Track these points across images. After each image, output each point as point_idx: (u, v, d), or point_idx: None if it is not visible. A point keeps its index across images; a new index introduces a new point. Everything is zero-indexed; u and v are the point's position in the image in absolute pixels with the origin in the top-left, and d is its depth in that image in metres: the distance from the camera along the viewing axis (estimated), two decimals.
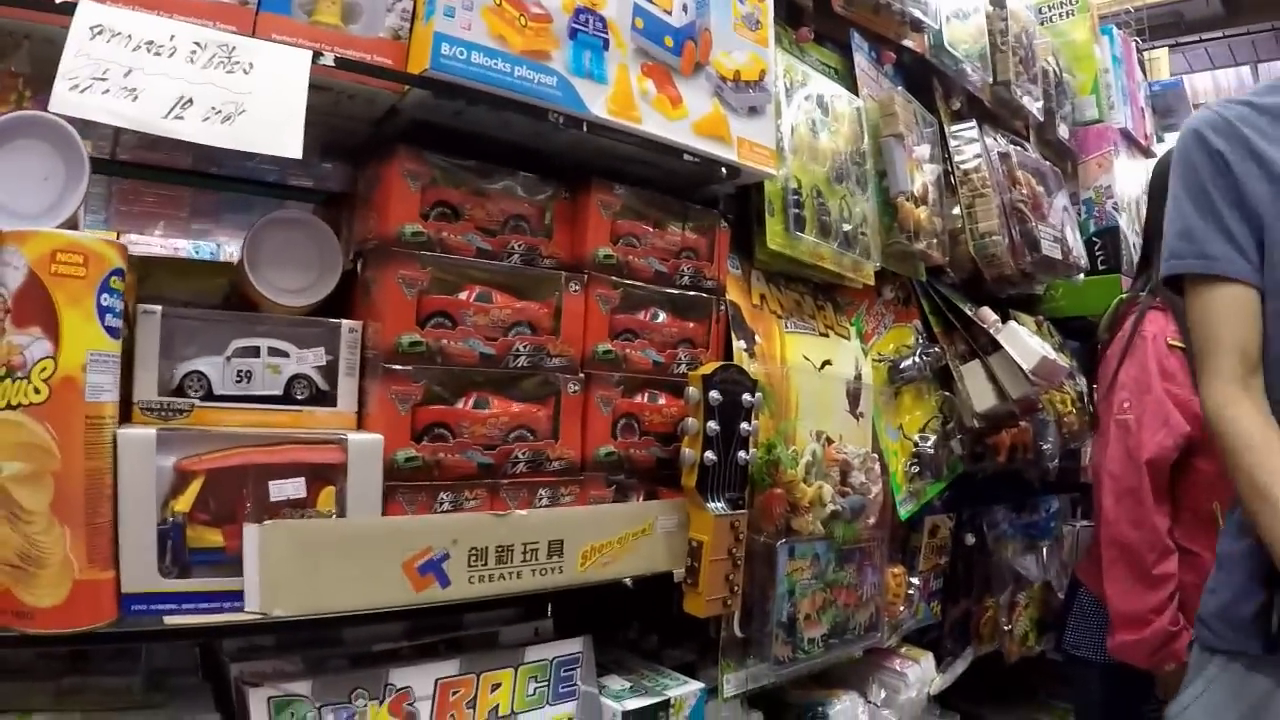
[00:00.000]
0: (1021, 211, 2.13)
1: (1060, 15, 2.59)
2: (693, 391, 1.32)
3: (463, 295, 1.18)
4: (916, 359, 1.84)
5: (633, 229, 1.35)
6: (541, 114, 1.21)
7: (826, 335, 1.68)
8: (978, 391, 1.97)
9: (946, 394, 1.96)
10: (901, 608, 1.89)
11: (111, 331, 0.95)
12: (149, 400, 1.06)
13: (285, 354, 1.17)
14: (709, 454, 1.33)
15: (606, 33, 1.28)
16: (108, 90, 0.95)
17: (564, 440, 1.25)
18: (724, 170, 1.42)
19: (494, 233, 1.23)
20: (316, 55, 1.09)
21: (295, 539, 1.02)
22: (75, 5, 0.96)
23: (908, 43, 2.01)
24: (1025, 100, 2.31)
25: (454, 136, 1.24)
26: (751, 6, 1.50)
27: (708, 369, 1.33)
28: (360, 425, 1.17)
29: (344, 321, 1.18)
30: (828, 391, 1.65)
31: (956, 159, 2.05)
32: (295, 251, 1.23)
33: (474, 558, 1.14)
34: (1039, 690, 2.60)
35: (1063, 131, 2.48)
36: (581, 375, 1.27)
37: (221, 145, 1.01)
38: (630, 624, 1.59)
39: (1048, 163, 2.34)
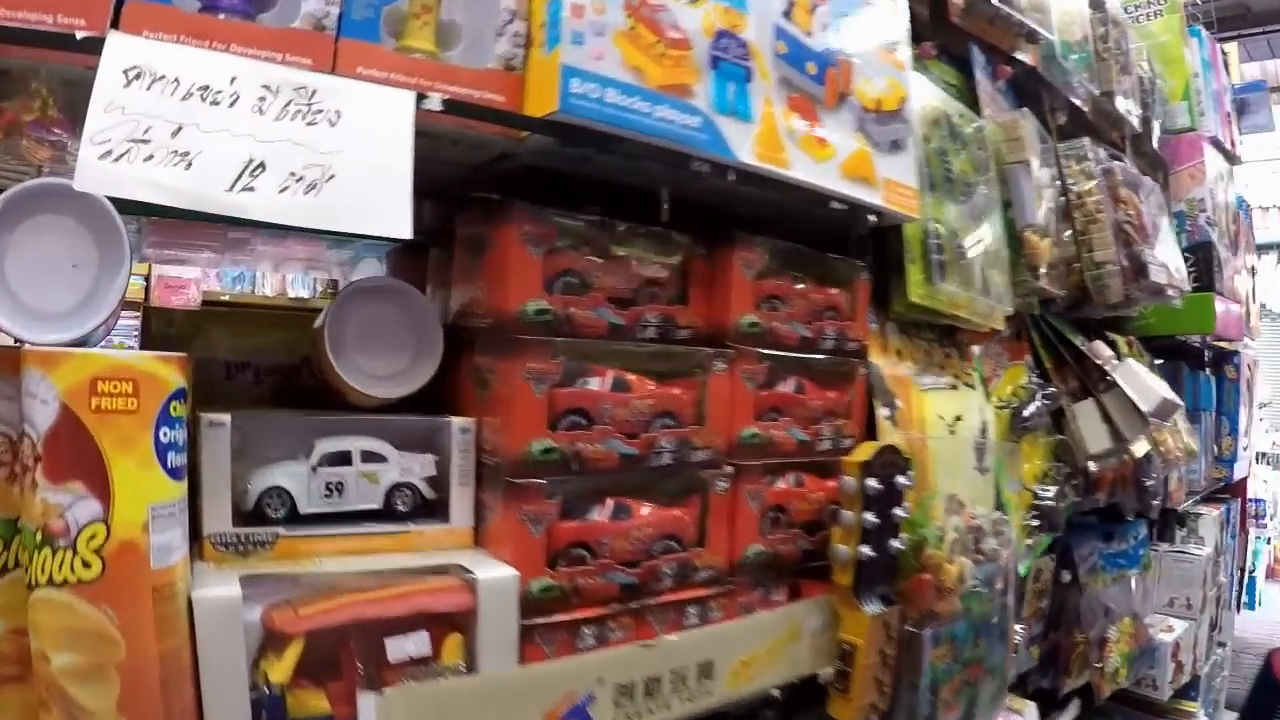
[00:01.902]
0: (1128, 234, 1.85)
1: (1147, 15, 2.28)
2: (849, 481, 1.06)
3: (595, 384, 0.92)
4: (1038, 403, 1.57)
5: (776, 289, 1.08)
6: (683, 161, 0.93)
7: (955, 387, 1.42)
8: (1091, 433, 1.71)
9: (1060, 437, 1.69)
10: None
11: (175, 473, 0.69)
12: (223, 533, 0.80)
13: (383, 458, 0.91)
14: (865, 549, 1.07)
15: (749, 60, 1.00)
16: (151, 156, 0.68)
17: (711, 545, 0.99)
18: (871, 218, 1.15)
19: (626, 303, 0.96)
20: (420, 98, 0.82)
21: (421, 707, 0.77)
22: (102, 41, 0.68)
23: (1020, 55, 1.71)
24: (1125, 110, 2.01)
25: (561, 181, 0.97)
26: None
27: (864, 453, 1.07)
28: (479, 543, 0.91)
29: (454, 420, 0.91)
30: (958, 451, 1.38)
31: (1068, 181, 1.76)
32: (386, 329, 0.96)
33: (621, 696, 0.89)
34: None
35: (1156, 142, 2.18)
36: (729, 468, 1.01)
37: (308, 224, 0.74)
38: None
39: (1147, 177, 2.05)
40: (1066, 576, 1.92)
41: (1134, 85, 2.08)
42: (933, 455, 1.30)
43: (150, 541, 0.67)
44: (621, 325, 0.95)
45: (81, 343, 0.75)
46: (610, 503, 0.92)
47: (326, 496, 0.89)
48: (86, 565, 0.63)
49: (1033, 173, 1.57)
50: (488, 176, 0.98)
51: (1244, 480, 2.91)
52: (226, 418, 0.82)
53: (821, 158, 1.07)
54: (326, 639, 0.78)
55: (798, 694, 1.13)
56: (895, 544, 1.11)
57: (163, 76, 0.70)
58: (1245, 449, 2.79)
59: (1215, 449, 2.40)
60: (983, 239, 1.42)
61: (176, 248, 1.71)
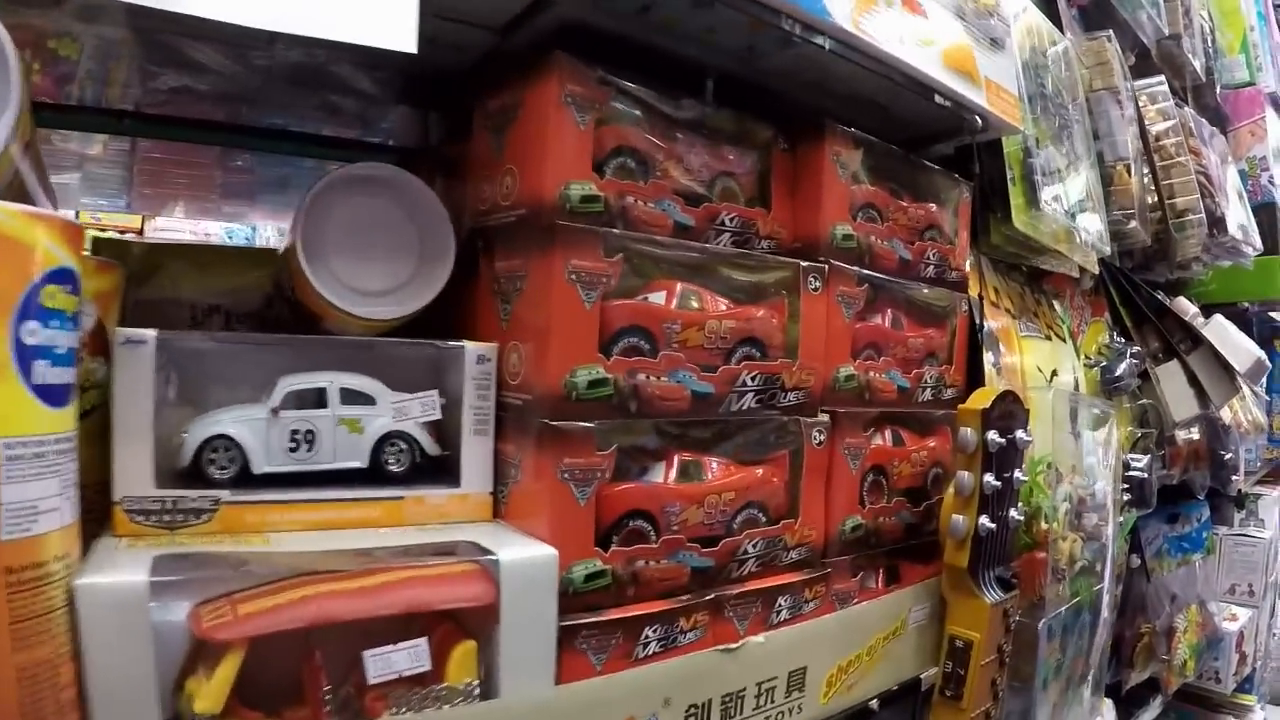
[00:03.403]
0: (1204, 185, 1.57)
1: None
2: (968, 434, 0.78)
3: (660, 299, 0.64)
4: (1128, 362, 1.29)
5: (873, 198, 0.80)
6: (772, 16, 0.65)
7: (1049, 338, 1.14)
8: (1176, 397, 1.43)
9: (1144, 401, 1.41)
10: None
11: (49, 395, 0.41)
12: (141, 497, 0.53)
13: (370, 399, 0.63)
14: (984, 520, 0.79)
15: None
16: None
17: (805, 516, 0.70)
18: (978, 121, 0.87)
19: (697, 199, 0.68)
20: None
21: None
22: None
23: None
24: (1190, 55, 1.74)
25: (606, 56, 0.69)
26: None
27: (982, 399, 0.79)
28: (500, 514, 0.63)
29: (468, 346, 0.64)
30: (1055, 410, 1.10)
31: (1146, 122, 1.48)
32: (379, 231, 0.68)
33: (692, 718, 0.61)
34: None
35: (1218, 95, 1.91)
36: (825, 416, 0.73)
37: (296, 29, 0.47)
38: None
39: (1215, 129, 1.77)
40: (1135, 561, 1.64)
41: (1197, 33, 1.81)
42: (1033, 413, 1.02)
43: (1, 496, 0.39)
44: (691, 226, 0.67)
45: None
46: (678, 458, 0.64)
47: (292, 450, 0.62)
48: None
49: (1121, 101, 1.29)
50: (521, 51, 0.70)
51: None
52: (150, 334, 0.54)
53: (924, 41, 0.80)
54: (279, 649, 0.50)
55: (891, 701, 0.85)
56: (1015, 515, 0.83)
57: None
58: None
59: (1270, 427, 2.12)
60: (1076, 166, 1.14)
61: (167, 200, 1.43)
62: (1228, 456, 1.61)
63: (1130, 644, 1.72)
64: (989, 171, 0.99)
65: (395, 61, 0.76)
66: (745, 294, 0.70)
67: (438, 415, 0.64)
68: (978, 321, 0.92)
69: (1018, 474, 0.82)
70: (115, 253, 0.83)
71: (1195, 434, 1.58)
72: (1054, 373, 1.10)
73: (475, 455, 0.64)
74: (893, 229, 0.80)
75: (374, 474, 0.64)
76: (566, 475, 0.57)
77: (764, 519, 0.67)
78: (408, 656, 0.51)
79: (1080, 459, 1.11)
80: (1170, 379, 1.43)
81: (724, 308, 0.67)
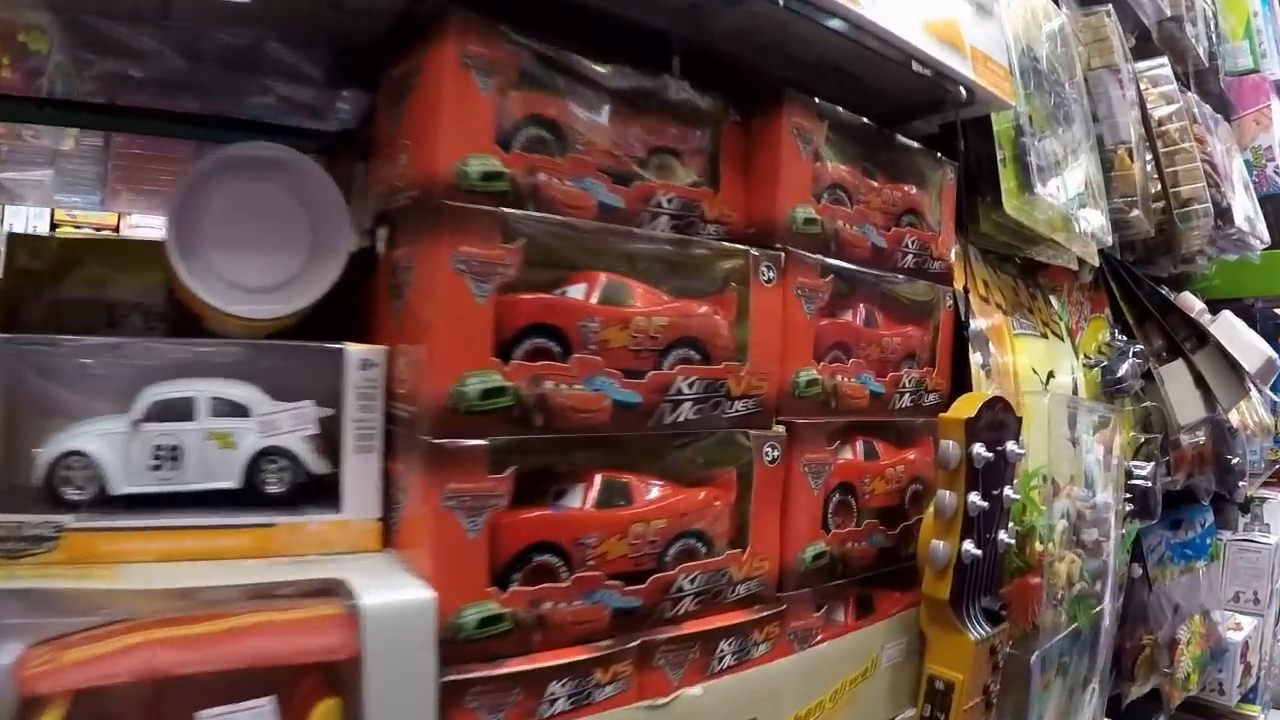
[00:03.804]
0: (1209, 174, 1.45)
1: None
2: (950, 448, 0.66)
3: (578, 292, 0.53)
4: (1131, 362, 1.17)
5: (841, 178, 0.69)
6: None
7: (1045, 336, 1.02)
8: (1181, 399, 1.31)
9: (1147, 404, 1.29)
10: None
11: None
12: None
13: (243, 410, 0.53)
14: (969, 545, 0.68)
15: None
16: None
17: (756, 546, 0.59)
18: (963, 93, 0.76)
19: (628, 178, 0.57)
20: None
21: None
22: None
23: None
24: (1193, 38, 1.61)
25: (533, 12, 0.58)
26: None
27: (967, 407, 0.67)
28: (392, 544, 0.53)
29: (349, 349, 0.53)
30: (1051, 416, 0.99)
31: (1147, 105, 1.36)
32: (265, 220, 0.58)
33: None
34: None
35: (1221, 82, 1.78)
36: (780, 429, 0.61)
37: None
38: None
39: (1220, 116, 1.65)
40: (1137, 570, 1.52)
41: (1200, 16, 1.69)
42: (1028, 419, 0.91)
43: None
44: (620, 208, 0.56)
45: None
46: (599, 480, 0.53)
47: (154, 468, 0.52)
48: None
49: (1122, 81, 1.18)
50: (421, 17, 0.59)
51: None
52: None
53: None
54: (110, 705, 0.40)
55: None
56: (1005, 538, 0.72)
57: None
58: None
59: (1276, 428, 2.00)
60: (1075, 151, 1.03)
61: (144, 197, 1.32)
62: (1234, 461, 1.49)
63: (1131, 656, 1.60)
64: (976, 152, 0.88)
65: (320, 38, 0.66)
66: (687, 288, 0.59)
67: (313, 429, 0.53)
68: (964, 318, 0.81)
69: (1008, 491, 0.71)
70: (30, 250, 0.74)
71: (1200, 437, 1.46)
72: (1050, 374, 0.99)
73: (359, 476, 0.53)
74: (864, 213, 0.69)
75: (251, 495, 0.54)
76: (452, 503, 0.46)
77: (704, 550, 0.56)
78: (250, 719, 0.40)
79: (1079, 468, 1.00)
80: (1175, 380, 1.31)
81: (663, 302, 0.56)
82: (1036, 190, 0.86)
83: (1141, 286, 1.34)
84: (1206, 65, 1.70)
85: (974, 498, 0.67)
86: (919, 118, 0.81)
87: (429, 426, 0.47)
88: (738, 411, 0.58)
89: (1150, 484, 1.18)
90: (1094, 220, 1.03)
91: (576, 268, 0.54)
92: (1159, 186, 1.34)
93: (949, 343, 0.79)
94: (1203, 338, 1.32)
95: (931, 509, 0.67)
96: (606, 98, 0.57)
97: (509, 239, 0.48)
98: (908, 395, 0.73)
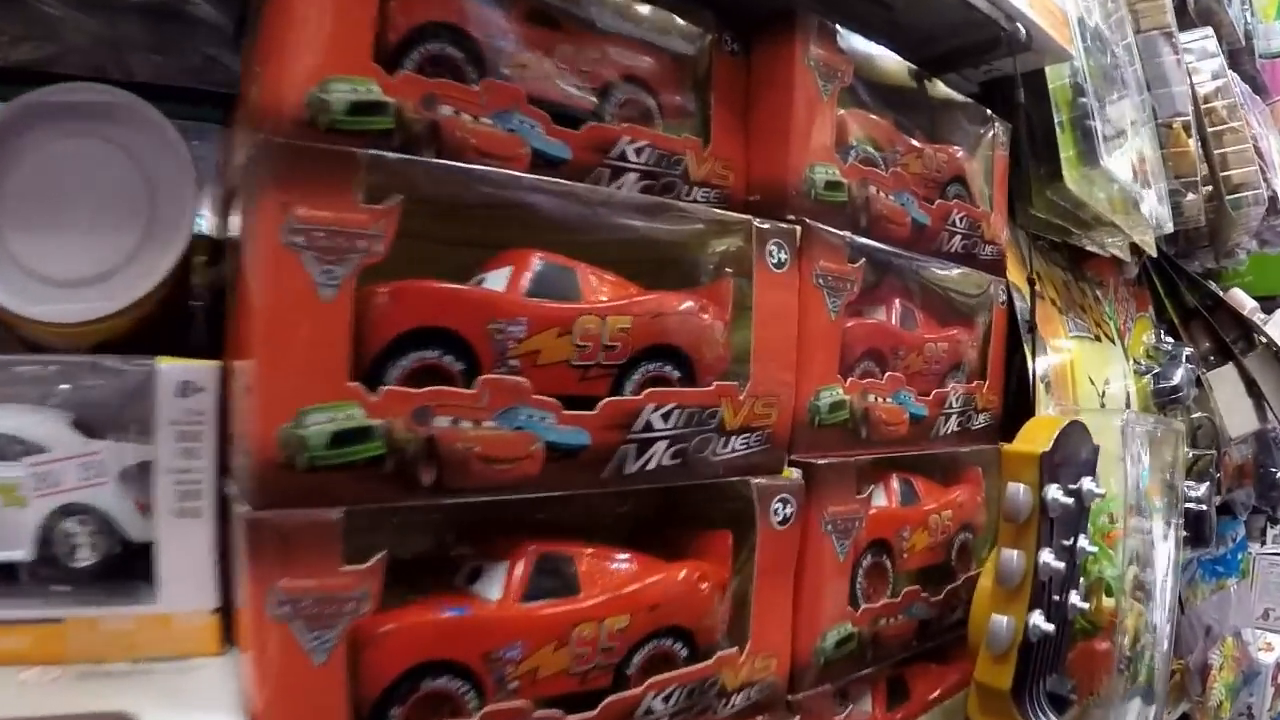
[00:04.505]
0: (1256, 158, 1.26)
1: None
2: (1019, 494, 0.47)
3: (500, 279, 0.35)
4: (1185, 369, 0.99)
5: (874, 128, 0.50)
6: None
7: (1098, 339, 0.84)
8: (1231, 408, 1.12)
9: (1199, 415, 1.11)
10: None
11: None
12: None
13: (38, 449, 0.34)
14: (1037, 619, 0.49)
15: None
16: None
17: (759, 639, 0.41)
18: (1022, 33, 0.57)
19: (577, 118, 0.39)
20: None
21: None
22: None
23: None
24: (1232, 14, 1.42)
25: None
26: None
27: (1039, 437, 0.49)
28: (235, 639, 0.34)
29: (161, 365, 0.34)
30: (1106, 433, 0.80)
31: (1193, 80, 1.17)
32: (88, 190, 0.40)
33: None
34: None
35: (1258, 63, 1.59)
36: (796, 473, 0.43)
37: None
38: None
39: (1259, 99, 1.46)
40: (1182, 576, 1.34)
41: None
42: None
43: None
44: (566, 159, 0.37)
45: None
46: (530, 561, 0.34)
47: None
48: None
49: (1176, 46, 0.99)
50: None
51: None
52: None
53: None
54: None
55: None
56: (1077, 602, 0.54)
57: None
58: None
59: None
60: (1133, 121, 0.84)
61: None
62: (1278, 474, 1.30)
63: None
64: (1029, 114, 0.69)
65: None
66: (661, 275, 0.40)
67: (102, 481, 0.35)
68: (1029, 317, 0.62)
69: (1083, 542, 0.52)
70: None
71: (1244, 447, 1.28)
72: (1106, 382, 0.80)
73: (182, 550, 0.35)
74: (902, 178, 0.50)
75: (49, 570, 0.36)
76: (285, 609, 0.28)
77: (685, 653, 0.37)
78: None
79: (1138, 495, 0.81)
80: (1224, 386, 1.12)
81: (625, 297, 0.37)
82: (1101, 162, 0.67)
83: (1185, 281, 1.15)
84: (1242, 44, 1.51)
85: (1047, 556, 0.48)
86: (962, 66, 0.62)
87: (250, 490, 0.28)
88: (735, 451, 0.39)
89: (1205, 507, 1.00)
90: (1153, 203, 0.84)
91: (493, 246, 0.35)
92: (1205, 170, 1.15)
93: (1001, 349, 0.60)
94: (1251, 339, 1.13)
95: (992, 573, 0.48)
96: (548, 8, 0.39)
97: (375, 198, 0.30)
98: (955, 417, 0.54)
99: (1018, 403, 0.61)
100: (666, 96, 0.43)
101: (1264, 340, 1.11)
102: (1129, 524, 0.74)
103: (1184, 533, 0.98)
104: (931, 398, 0.52)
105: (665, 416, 0.37)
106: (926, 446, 0.52)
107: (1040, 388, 0.62)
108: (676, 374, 0.38)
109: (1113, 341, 0.87)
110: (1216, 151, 1.14)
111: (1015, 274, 0.64)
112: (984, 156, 0.60)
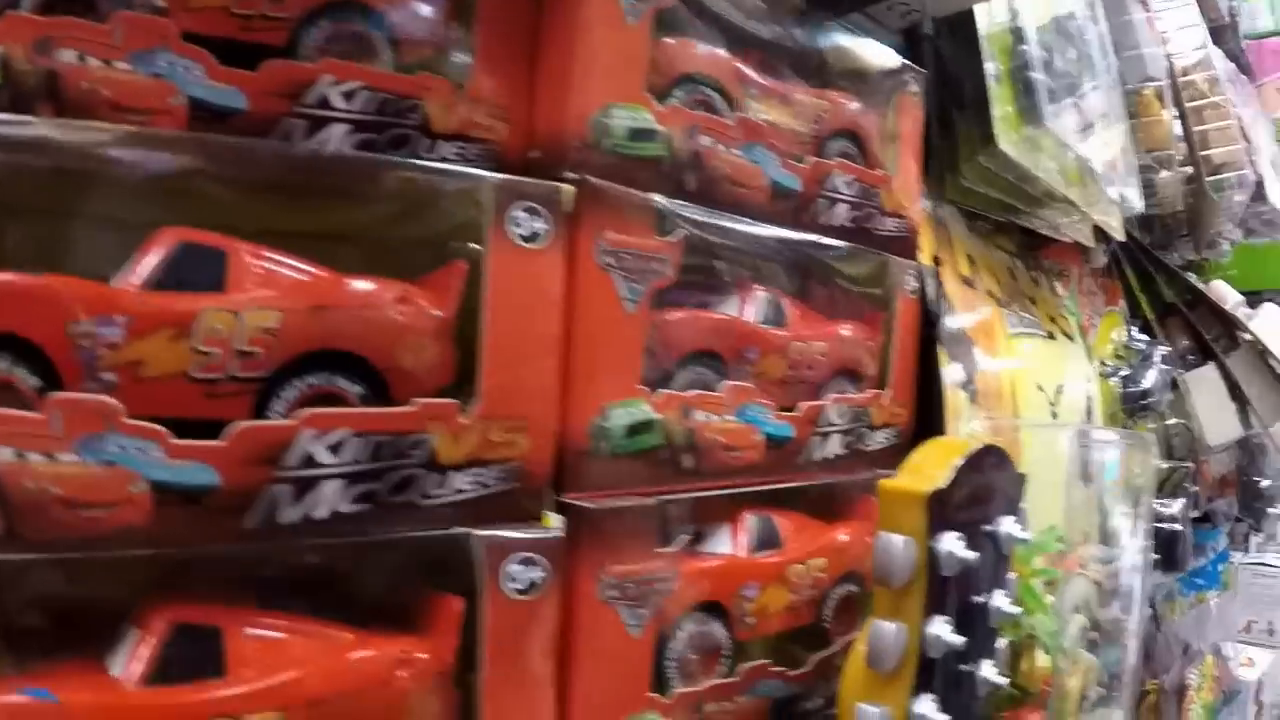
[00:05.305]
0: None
1: None
2: (894, 547, 0.35)
3: (133, 282, 0.22)
4: (1159, 370, 0.85)
5: (715, 66, 0.37)
6: None
7: (1052, 336, 0.70)
8: (1211, 413, 0.99)
9: (1173, 423, 0.97)
10: None
11: None
12: None
13: None
14: (926, 707, 0.36)
15: None
16: None
17: None
18: None
19: (248, 53, 0.26)
20: None
21: None
22: None
23: None
24: None
25: None
26: None
27: (928, 468, 0.36)
28: None
29: None
30: (1057, 449, 0.67)
31: (1172, 52, 1.03)
32: None
33: None
34: None
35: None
36: (559, 521, 0.30)
37: None
38: None
39: (1244, 78, 1.32)
40: (1149, 610, 1.21)
41: None
42: (1027, 459, 0.59)
43: None
44: (242, 110, 0.24)
45: None
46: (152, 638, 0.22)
47: None
48: None
49: (1147, 2, 0.85)
50: None
51: None
52: None
53: None
54: None
55: None
56: (989, 676, 0.41)
57: None
58: None
59: None
60: (1093, 79, 0.70)
61: None
62: (1264, 485, 1.17)
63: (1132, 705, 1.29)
64: (957, 68, 0.56)
65: None
66: (379, 257, 0.27)
67: None
68: (933, 310, 0.49)
69: (999, 601, 0.40)
70: None
71: (1226, 456, 1.14)
72: (1059, 389, 0.67)
73: None
74: (754, 129, 0.37)
75: None
76: None
77: None
78: None
79: (1094, 520, 0.68)
80: (1204, 389, 0.99)
81: (315, 282, 0.25)
82: (1045, 120, 0.54)
83: (1162, 274, 1.02)
84: (1227, 21, 1.37)
85: (940, 629, 0.36)
86: (865, 2, 0.49)
87: None
88: (461, 492, 0.27)
89: (1180, 527, 0.87)
90: (1120, 177, 0.71)
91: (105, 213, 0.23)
92: (1185, 151, 1.02)
93: (911, 349, 0.47)
94: (1234, 337, 1.00)
95: (863, 651, 0.35)
96: None
97: None
98: (837, 437, 0.42)
99: (933, 422, 0.48)
100: (400, 20, 0.30)
101: (1248, 338, 0.98)
102: (1084, 556, 0.62)
103: (1154, 555, 0.85)
104: (802, 413, 0.39)
105: (335, 448, 0.24)
106: (795, 476, 0.40)
107: (960, 398, 0.49)
108: (357, 389, 0.25)
109: (1071, 339, 0.74)
110: (1196, 129, 1.01)
111: (931, 256, 0.51)
112: (889, 108, 0.47)
